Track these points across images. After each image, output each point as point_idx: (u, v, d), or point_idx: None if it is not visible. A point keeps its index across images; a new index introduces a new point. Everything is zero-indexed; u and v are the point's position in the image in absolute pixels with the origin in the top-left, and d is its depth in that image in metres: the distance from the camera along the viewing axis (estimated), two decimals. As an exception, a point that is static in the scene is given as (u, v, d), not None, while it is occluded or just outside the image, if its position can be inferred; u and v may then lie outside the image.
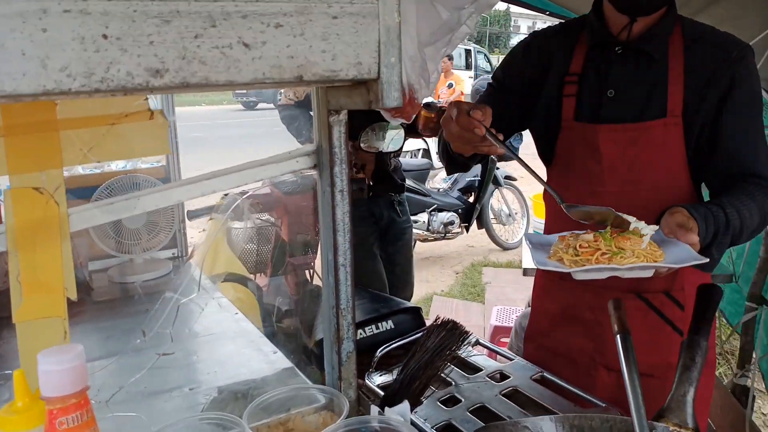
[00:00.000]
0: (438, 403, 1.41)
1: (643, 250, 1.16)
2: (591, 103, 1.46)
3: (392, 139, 2.80)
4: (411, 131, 2.96)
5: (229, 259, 2.28)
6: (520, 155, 1.27)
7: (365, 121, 2.58)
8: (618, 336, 1.20)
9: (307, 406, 1.02)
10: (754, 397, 2.90)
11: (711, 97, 1.36)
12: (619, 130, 1.42)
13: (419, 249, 6.42)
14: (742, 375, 3.02)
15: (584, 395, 1.45)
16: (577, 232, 1.22)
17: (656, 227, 1.20)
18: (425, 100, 2.82)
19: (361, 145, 2.53)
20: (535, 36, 1.60)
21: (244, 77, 0.66)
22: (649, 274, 1.14)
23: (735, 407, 2.99)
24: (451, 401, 1.42)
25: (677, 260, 1.13)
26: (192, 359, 1.35)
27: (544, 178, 1.60)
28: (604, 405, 1.40)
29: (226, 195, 2.19)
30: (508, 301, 4.76)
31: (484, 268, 5.95)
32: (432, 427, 1.31)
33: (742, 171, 1.37)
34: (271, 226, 2.42)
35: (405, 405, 0.94)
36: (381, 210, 3.00)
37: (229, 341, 1.42)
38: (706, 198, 1.50)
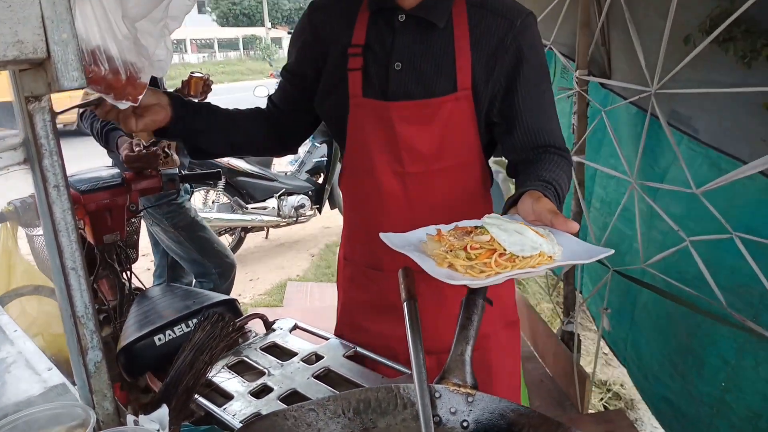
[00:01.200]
0: (249, 395, 1.36)
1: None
2: (378, 78, 1.34)
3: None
4: None
5: (27, 271, 2.07)
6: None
7: None
8: (405, 303, 1.21)
9: (63, 425, 0.93)
10: (580, 341, 3.12)
11: (499, 70, 1.31)
12: (412, 107, 1.32)
13: (273, 236, 6.30)
14: (568, 322, 3.25)
15: (391, 365, 1.46)
16: (441, 226, 1.06)
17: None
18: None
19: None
20: (313, 9, 1.46)
21: None
22: (543, 272, 0.99)
23: (565, 353, 3.21)
24: (263, 391, 1.38)
25: (581, 255, 0.99)
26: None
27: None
28: (410, 372, 1.42)
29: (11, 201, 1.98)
30: (361, 278, 4.79)
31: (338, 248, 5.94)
32: (240, 422, 1.26)
33: (541, 144, 1.33)
34: (73, 229, 2.22)
35: (162, 410, 0.88)
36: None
37: (-3, 364, 1.28)
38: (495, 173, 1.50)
